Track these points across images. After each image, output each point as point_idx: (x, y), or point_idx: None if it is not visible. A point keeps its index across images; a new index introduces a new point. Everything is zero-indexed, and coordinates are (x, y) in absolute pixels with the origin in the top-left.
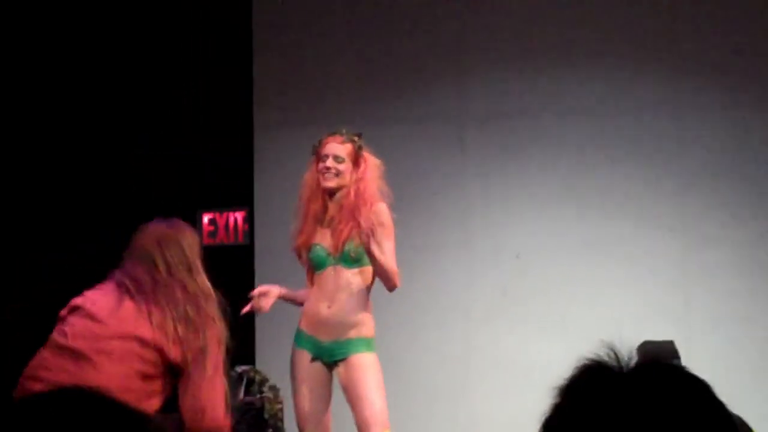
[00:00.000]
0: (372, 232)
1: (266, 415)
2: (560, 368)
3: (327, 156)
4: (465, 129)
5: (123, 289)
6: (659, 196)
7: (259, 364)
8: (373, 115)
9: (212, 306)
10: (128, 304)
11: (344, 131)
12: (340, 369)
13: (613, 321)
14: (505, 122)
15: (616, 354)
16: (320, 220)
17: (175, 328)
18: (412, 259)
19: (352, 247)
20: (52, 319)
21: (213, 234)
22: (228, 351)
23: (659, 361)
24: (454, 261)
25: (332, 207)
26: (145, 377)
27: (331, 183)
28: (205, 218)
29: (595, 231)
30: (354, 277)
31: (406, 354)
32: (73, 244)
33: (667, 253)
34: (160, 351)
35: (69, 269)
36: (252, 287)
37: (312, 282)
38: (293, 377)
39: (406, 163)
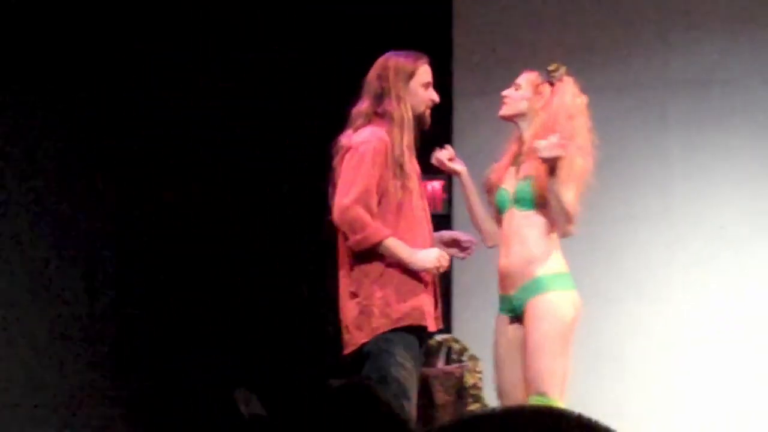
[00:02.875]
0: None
1: (466, 385)
2: (765, 344)
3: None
4: (667, 97)
5: None
6: None
7: (456, 334)
8: None
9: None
10: None
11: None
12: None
13: None
14: (709, 90)
15: None
16: (515, 160)
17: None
18: (610, 230)
19: (526, 184)
20: None
21: None
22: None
23: None
24: (654, 232)
25: (521, 145)
26: None
27: (500, 111)
28: None
29: None
30: (525, 220)
31: (604, 328)
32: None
33: None
34: None
35: None
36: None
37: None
38: (493, 346)
39: (605, 132)
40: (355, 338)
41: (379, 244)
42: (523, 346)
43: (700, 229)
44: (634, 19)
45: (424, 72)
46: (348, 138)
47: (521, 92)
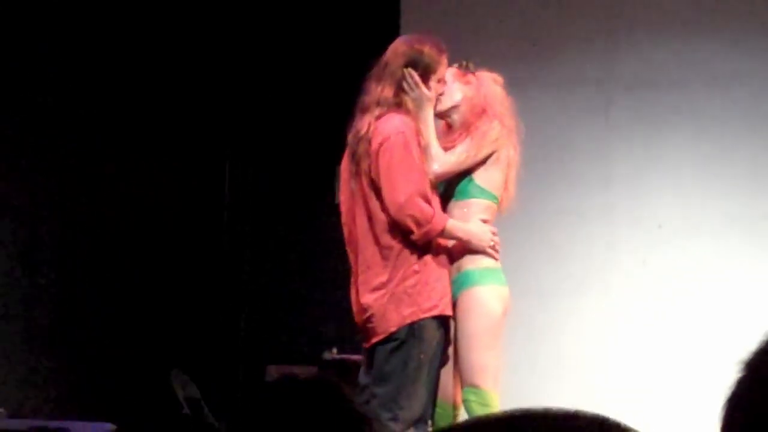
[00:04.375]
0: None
1: None
2: (700, 342)
3: None
4: (611, 95)
5: None
6: None
7: None
8: (516, 77)
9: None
10: None
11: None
12: None
13: (759, 298)
14: (653, 90)
15: None
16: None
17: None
18: (550, 225)
19: (462, 176)
20: None
21: None
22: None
23: None
24: (594, 228)
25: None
26: None
27: (436, 108)
28: None
29: (741, 205)
30: (459, 211)
31: (542, 322)
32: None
33: None
34: None
35: None
36: None
37: None
38: None
39: (548, 128)
40: (381, 327)
41: (443, 230)
42: (455, 338)
43: (639, 227)
44: (580, 17)
45: (443, 67)
46: (370, 126)
47: (450, 85)
